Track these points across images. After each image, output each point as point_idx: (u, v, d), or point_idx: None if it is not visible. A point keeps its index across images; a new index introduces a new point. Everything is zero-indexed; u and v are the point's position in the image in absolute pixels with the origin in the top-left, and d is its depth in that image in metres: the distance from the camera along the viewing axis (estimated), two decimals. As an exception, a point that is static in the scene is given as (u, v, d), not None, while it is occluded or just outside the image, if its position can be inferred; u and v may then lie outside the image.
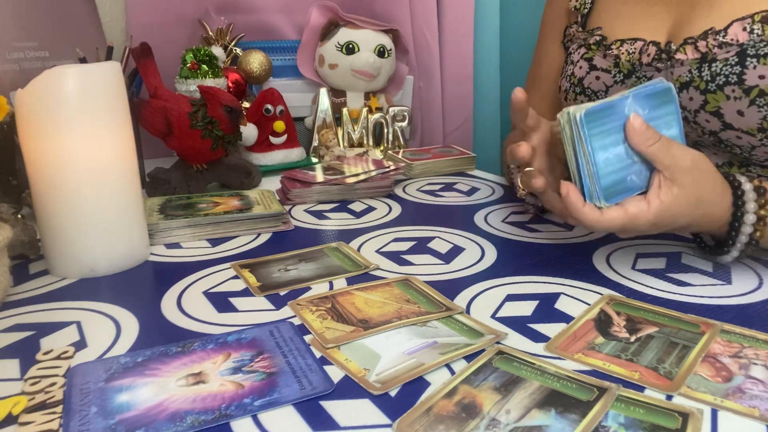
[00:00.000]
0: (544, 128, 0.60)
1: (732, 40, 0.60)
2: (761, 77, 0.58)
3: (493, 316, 0.51)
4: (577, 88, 0.75)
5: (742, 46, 0.59)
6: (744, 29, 0.60)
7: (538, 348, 0.46)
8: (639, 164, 0.54)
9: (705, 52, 0.62)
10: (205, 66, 0.96)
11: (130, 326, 0.50)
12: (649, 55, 0.68)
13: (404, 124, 1.12)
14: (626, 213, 0.52)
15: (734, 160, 0.65)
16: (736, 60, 0.59)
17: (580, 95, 0.75)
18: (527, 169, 0.58)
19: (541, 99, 0.89)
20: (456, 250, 0.66)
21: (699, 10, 0.65)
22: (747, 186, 0.55)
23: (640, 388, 0.41)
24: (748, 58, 0.58)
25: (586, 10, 0.79)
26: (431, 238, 0.70)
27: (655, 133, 0.53)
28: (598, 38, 0.75)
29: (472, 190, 0.90)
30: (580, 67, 0.75)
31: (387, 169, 0.89)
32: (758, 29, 0.59)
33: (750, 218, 0.55)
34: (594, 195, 0.53)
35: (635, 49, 0.70)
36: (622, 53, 0.71)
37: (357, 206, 0.83)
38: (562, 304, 0.53)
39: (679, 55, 0.64)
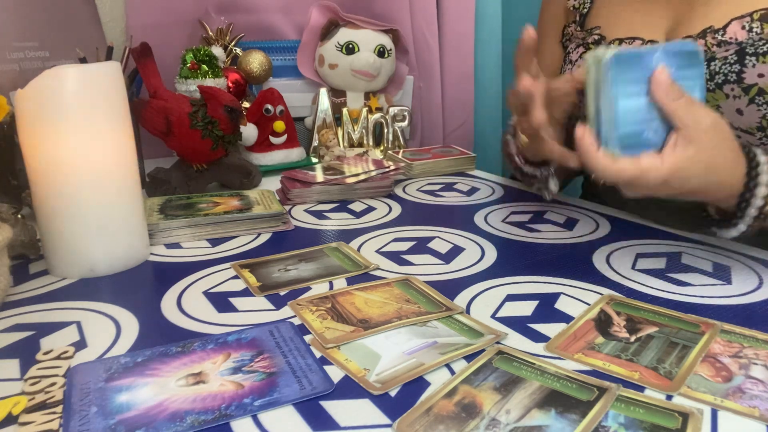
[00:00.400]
0: (542, 89, 0.60)
1: (731, 38, 0.60)
2: (760, 75, 0.58)
3: (493, 316, 0.51)
4: None
5: (741, 44, 0.59)
6: (743, 27, 0.60)
7: (538, 348, 0.46)
8: (657, 121, 0.52)
9: (704, 50, 0.62)
10: (205, 66, 0.96)
11: (130, 326, 0.50)
12: None
13: (404, 124, 1.12)
14: (639, 165, 0.51)
15: None
16: (735, 58, 0.59)
17: (578, 94, 0.75)
18: (526, 116, 0.58)
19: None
20: (456, 250, 0.66)
21: (698, 9, 0.65)
22: (762, 158, 0.54)
23: (640, 388, 0.41)
24: (747, 57, 0.58)
25: (585, 10, 0.79)
26: (431, 238, 0.70)
27: (680, 90, 0.52)
28: (596, 38, 0.75)
29: (472, 190, 0.90)
30: (578, 67, 0.75)
31: (387, 169, 0.89)
32: (757, 27, 0.59)
33: (762, 191, 0.53)
34: (610, 141, 0.52)
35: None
36: None
37: (357, 206, 0.83)
38: (562, 304, 0.53)
39: None
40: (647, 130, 0.52)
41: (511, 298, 0.55)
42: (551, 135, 0.61)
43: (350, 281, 0.58)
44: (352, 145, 1.10)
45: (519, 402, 0.39)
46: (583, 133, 0.52)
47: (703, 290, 0.56)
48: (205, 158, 0.85)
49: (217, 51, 1.01)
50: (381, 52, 1.08)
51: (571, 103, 0.64)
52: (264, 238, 0.71)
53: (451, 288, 0.57)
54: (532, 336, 0.48)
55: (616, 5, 0.75)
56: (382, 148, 1.11)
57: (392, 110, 1.11)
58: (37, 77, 0.55)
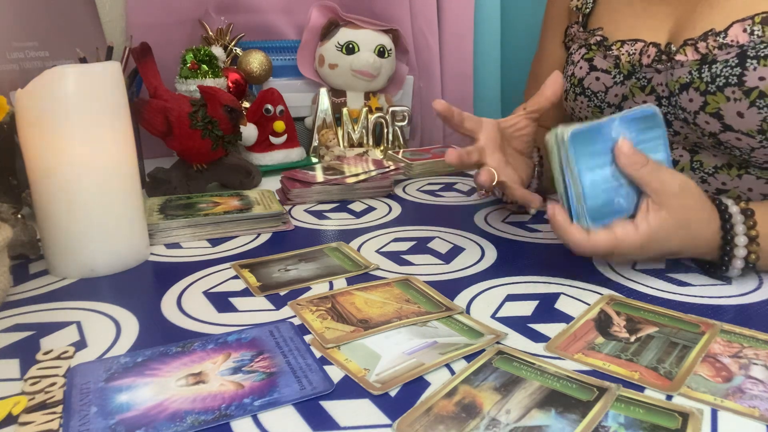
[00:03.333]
0: (489, 126, 0.62)
1: (732, 41, 0.60)
2: (761, 79, 0.58)
3: (493, 316, 0.51)
4: (577, 88, 0.75)
5: (743, 47, 0.59)
6: (744, 30, 0.59)
7: (538, 348, 0.46)
8: (626, 187, 0.54)
9: (705, 53, 0.62)
10: (205, 66, 0.96)
11: (130, 326, 0.50)
12: (649, 56, 0.68)
13: (404, 124, 1.12)
14: (614, 235, 0.52)
15: (733, 162, 0.65)
16: (737, 61, 0.59)
17: (580, 96, 0.75)
18: (479, 170, 0.61)
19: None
20: (456, 250, 0.66)
21: (700, 11, 0.65)
22: (734, 209, 0.55)
23: (640, 388, 0.41)
24: (749, 60, 0.58)
25: (587, 10, 0.79)
26: (431, 238, 0.70)
27: (644, 157, 0.53)
28: (598, 38, 0.75)
29: (472, 190, 0.90)
30: (581, 68, 0.75)
31: (387, 169, 0.89)
32: (758, 30, 0.59)
33: (741, 240, 0.55)
34: (581, 216, 0.53)
35: (635, 50, 0.70)
36: (623, 54, 0.71)
37: (357, 206, 0.83)
38: (562, 304, 0.53)
39: (679, 57, 0.64)
40: (617, 198, 0.54)
41: (511, 298, 0.55)
42: (512, 178, 0.63)
43: (350, 281, 0.58)
44: (352, 145, 1.10)
45: (519, 402, 0.39)
46: (554, 210, 0.54)
47: (703, 290, 0.56)
48: (205, 158, 0.85)
49: (217, 51, 1.01)
50: (381, 52, 1.08)
51: (531, 134, 0.67)
52: (264, 238, 0.71)
53: (451, 288, 0.57)
54: (532, 336, 0.48)
55: (618, 6, 0.75)
56: (382, 148, 1.11)
57: (392, 110, 1.11)
58: (37, 77, 0.55)
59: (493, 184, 0.60)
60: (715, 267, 0.58)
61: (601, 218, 0.53)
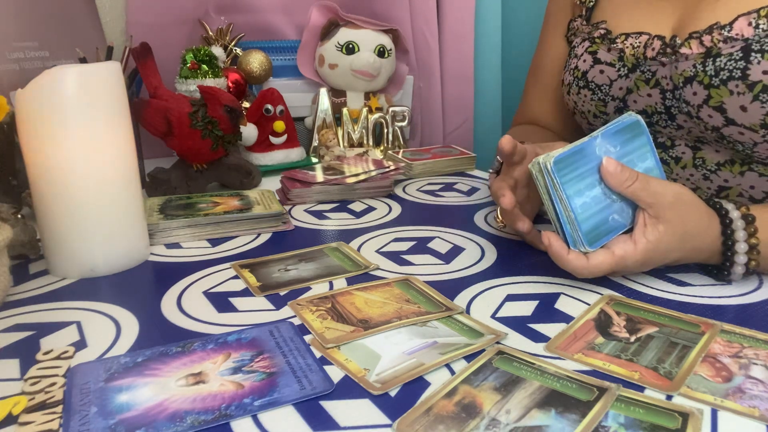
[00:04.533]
0: (527, 162, 0.60)
1: (737, 34, 0.60)
2: (765, 73, 0.58)
3: (493, 316, 0.51)
4: (580, 81, 0.75)
5: (747, 41, 0.59)
6: (749, 24, 0.59)
7: (538, 348, 0.46)
8: (619, 202, 0.54)
9: (710, 46, 0.62)
10: (205, 66, 0.96)
11: (130, 326, 0.50)
12: (653, 49, 0.68)
13: (404, 124, 1.12)
14: (613, 256, 0.52)
15: (736, 157, 0.65)
16: (741, 55, 0.59)
17: (583, 89, 0.75)
18: (503, 193, 0.58)
19: (543, 93, 0.89)
20: (456, 250, 0.66)
21: (705, 5, 0.65)
22: (734, 214, 0.54)
23: (640, 388, 0.41)
24: (753, 54, 0.58)
25: (591, 4, 0.79)
26: (431, 238, 0.70)
27: (632, 173, 0.53)
28: (602, 32, 0.75)
29: (472, 190, 0.90)
30: (584, 61, 0.75)
31: (387, 169, 0.89)
32: (764, 24, 0.58)
33: (742, 247, 0.54)
34: (577, 241, 0.52)
35: (640, 43, 0.70)
36: (627, 47, 0.71)
37: (357, 206, 0.83)
38: (562, 304, 0.53)
39: (683, 50, 0.64)
40: (611, 215, 0.53)
41: (511, 298, 0.55)
42: (527, 212, 0.62)
43: (350, 281, 0.58)
44: (352, 145, 1.10)
45: (519, 402, 0.39)
46: (549, 240, 0.53)
47: (703, 290, 0.56)
48: (205, 158, 0.85)
49: (217, 51, 1.01)
50: (381, 52, 1.08)
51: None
52: (264, 238, 0.71)
53: (451, 288, 0.57)
54: (532, 336, 0.48)
55: (622, 0, 0.75)
56: (382, 148, 1.11)
57: (392, 110, 1.11)
58: (37, 77, 0.55)
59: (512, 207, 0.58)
60: (718, 269, 0.57)
61: (598, 239, 0.53)
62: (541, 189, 0.53)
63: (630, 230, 0.54)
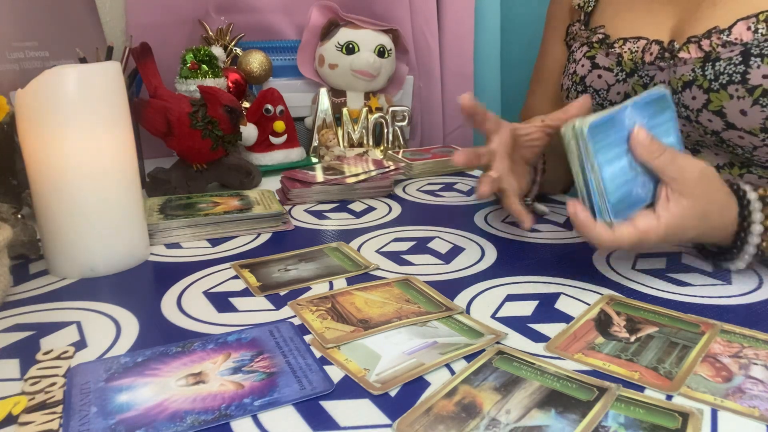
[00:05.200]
0: (505, 130, 0.61)
1: (736, 39, 0.60)
2: (765, 77, 0.58)
3: (493, 316, 0.51)
4: (579, 86, 0.75)
5: (746, 45, 0.59)
6: (748, 28, 0.59)
7: (538, 348, 0.46)
8: (642, 176, 0.53)
9: (708, 51, 0.62)
10: (205, 66, 0.96)
11: (130, 326, 0.50)
12: (651, 53, 0.68)
13: (404, 124, 1.12)
14: (637, 229, 0.51)
15: (735, 161, 0.65)
16: (740, 59, 0.59)
17: (581, 94, 0.75)
18: (484, 174, 0.60)
19: (546, 95, 0.89)
20: (456, 250, 0.66)
21: (703, 9, 0.65)
22: (752, 195, 0.54)
23: (640, 388, 0.41)
24: (752, 58, 0.58)
25: (589, 8, 0.79)
26: (431, 238, 0.70)
27: (661, 145, 0.52)
28: (601, 36, 0.75)
29: (472, 190, 0.90)
30: (582, 66, 0.75)
31: (387, 169, 0.89)
32: (763, 29, 0.58)
33: (757, 228, 0.54)
34: (604, 212, 0.51)
35: (638, 47, 0.70)
36: (625, 52, 0.71)
37: (357, 206, 0.83)
38: (562, 304, 0.53)
39: (682, 54, 0.64)
40: (635, 188, 0.53)
41: (511, 298, 0.55)
42: (513, 187, 0.62)
43: (350, 281, 0.58)
44: (352, 145, 1.10)
45: (519, 402, 0.39)
46: (575, 209, 0.52)
47: (703, 290, 0.56)
48: (205, 158, 0.85)
49: (217, 51, 1.01)
50: (381, 52, 1.08)
51: (543, 146, 0.65)
52: (264, 238, 0.71)
53: (451, 288, 0.57)
54: (532, 336, 0.48)
55: (620, 4, 0.75)
56: (382, 148, 1.11)
57: (392, 110, 1.11)
58: (37, 77, 0.55)
59: (494, 191, 0.59)
60: (724, 253, 0.57)
61: (622, 211, 0.52)
62: (572, 155, 0.52)
63: (650, 205, 0.53)
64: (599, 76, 0.73)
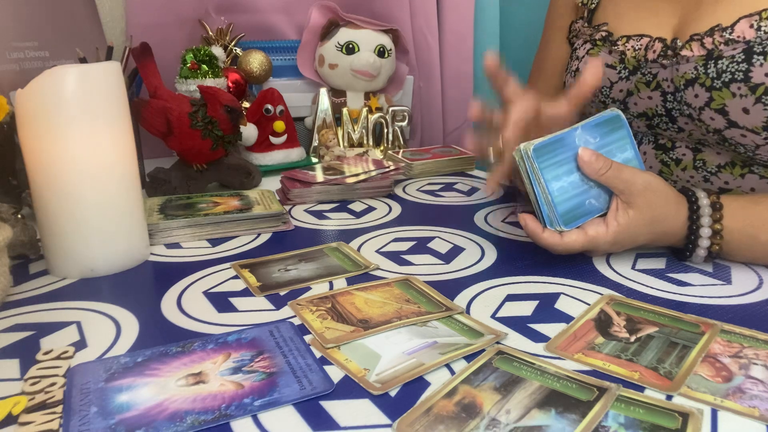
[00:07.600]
0: (526, 104, 0.61)
1: (739, 37, 0.60)
2: (767, 75, 0.58)
3: (493, 316, 0.51)
4: None
5: (749, 43, 0.59)
6: (751, 26, 0.59)
7: (538, 348, 0.46)
8: (596, 189, 0.59)
9: (711, 48, 0.62)
10: (205, 66, 0.96)
11: (130, 326, 0.50)
12: (654, 51, 0.68)
13: (404, 124, 1.12)
14: (586, 235, 0.57)
15: (737, 159, 0.65)
16: (743, 57, 0.59)
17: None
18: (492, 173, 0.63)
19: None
20: (456, 250, 0.66)
21: (706, 7, 0.65)
22: (704, 201, 0.57)
23: (640, 388, 0.41)
24: (755, 56, 0.58)
25: (593, 6, 0.79)
26: (431, 238, 0.70)
27: (606, 161, 0.57)
28: (604, 34, 0.75)
29: (472, 190, 0.90)
30: (585, 63, 0.75)
31: (387, 169, 0.89)
32: (765, 26, 0.58)
33: (705, 232, 0.57)
34: (554, 221, 0.58)
35: (641, 45, 0.70)
36: (628, 49, 0.71)
37: (357, 206, 0.83)
38: (562, 304, 0.53)
39: (684, 52, 0.64)
40: (588, 199, 0.58)
41: (511, 298, 0.55)
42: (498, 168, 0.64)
43: (350, 281, 0.58)
44: (352, 145, 1.10)
45: (519, 402, 0.39)
46: (524, 220, 0.59)
47: (703, 290, 0.56)
48: (205, 158, 0.85)
49: (217, 51, 1.01)
50: (381, 52, 1.08)
51: (568, 123, 0.65)
52: (264, 238, 0.71)
53: (451, 288, 0.57)
54: (532, 336, 0.48)
55: (624, 2, 0.75)
56: (382, 148, 1.11)
57: (392, 110, 1.11)
58: (37, 77, 0.55)
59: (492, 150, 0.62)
60: (681, 252, 0.60)
61: (573, 220, 0.58)
62: (522, 173, 0.58)
63: (605, 215, 0.58)
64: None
